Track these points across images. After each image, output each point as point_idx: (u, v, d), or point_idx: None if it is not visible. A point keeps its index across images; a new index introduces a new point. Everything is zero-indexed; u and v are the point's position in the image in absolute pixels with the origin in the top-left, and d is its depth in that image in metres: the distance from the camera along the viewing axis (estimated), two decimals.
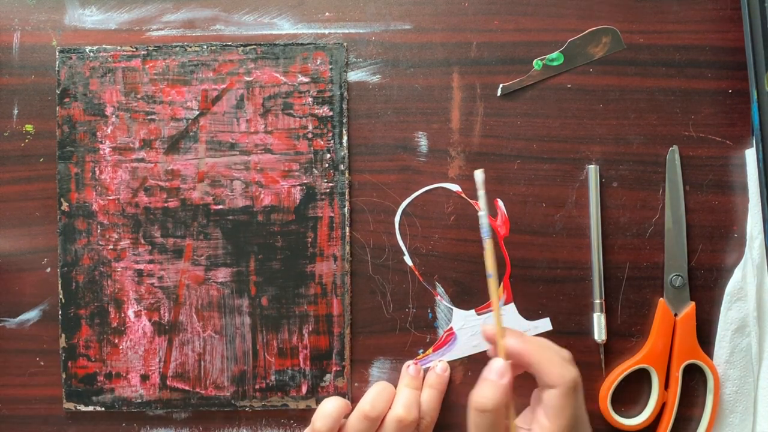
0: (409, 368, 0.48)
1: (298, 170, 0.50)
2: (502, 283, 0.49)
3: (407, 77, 0.50)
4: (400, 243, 0.50)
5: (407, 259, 0.50)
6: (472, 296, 0.50)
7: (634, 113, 0.50)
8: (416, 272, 0.49)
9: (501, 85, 0.50)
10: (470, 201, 0.49)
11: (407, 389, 0.47)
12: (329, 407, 0.46)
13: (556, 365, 0.40)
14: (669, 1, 0.50)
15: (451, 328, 0.50)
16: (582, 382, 0.41)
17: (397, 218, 0.50)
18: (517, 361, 0.42)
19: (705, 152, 0.50)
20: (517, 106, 0.50)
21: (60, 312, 0.50)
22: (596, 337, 0.49)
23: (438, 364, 0.49)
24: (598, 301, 0.49)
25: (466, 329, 0.50)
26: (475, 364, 0.49)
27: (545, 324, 0.49)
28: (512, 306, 0.50)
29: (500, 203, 0.50)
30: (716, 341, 0.49)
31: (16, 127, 0.51)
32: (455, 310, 0.50)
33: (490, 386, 0.41)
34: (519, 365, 0.42)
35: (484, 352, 0.49)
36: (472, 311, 0.50)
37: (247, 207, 0.50)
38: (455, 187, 0.50)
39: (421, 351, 0.50)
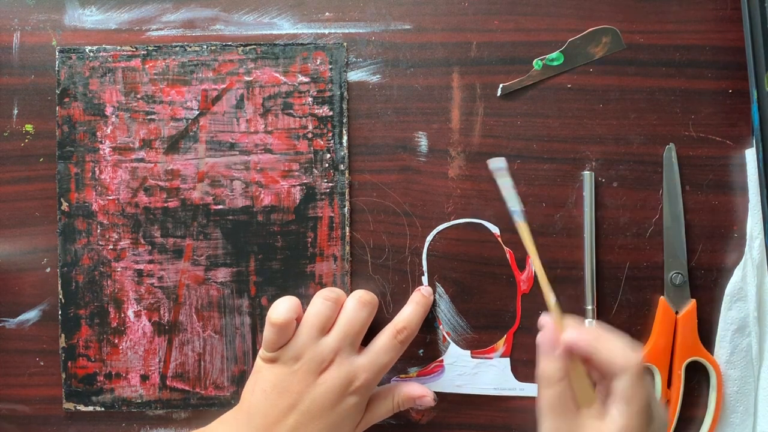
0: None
1: (298, 170, 0.50)
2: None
3: (407, 77, 0.50)
4: (425, 265, 0.50)
5: (425, 279, 0.50)
6: (472, 296, 0.50)
7: (634, 113, 0.50)
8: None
9: (501, 85, 0.50)
10: (505, 247, 0.49)
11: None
12: (284, 302, 0.46)
13: (618, 352, 0.39)
14: (669, 1, 0.50)
15: (442, 360, 0.50)
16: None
17: (424, 252, 0.50)
18: (578, 353, 0.41)
19: (705, 152, 0.50)
20: (517, 106, 0.50)
21: (60, 312, 0.50)
22: None
23: (423, 288, 0.49)
24: (589, 307, 0.49)
25: (456, 366, 0.50)
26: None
27: (532, 389, 0.49)
28: (507, 361, 0.50)
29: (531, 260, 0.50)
30: (717, 341, 0.49)
31: (15, 127, 0.51)
32: (452, 345, 0.50)
33: (546, 359, 0.41)
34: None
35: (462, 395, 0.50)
36: (468, 352, 0.50)
37: (247, 207, 0.50)
38: (494, 229, 0.50)
39: (414, 369, 0.50)
